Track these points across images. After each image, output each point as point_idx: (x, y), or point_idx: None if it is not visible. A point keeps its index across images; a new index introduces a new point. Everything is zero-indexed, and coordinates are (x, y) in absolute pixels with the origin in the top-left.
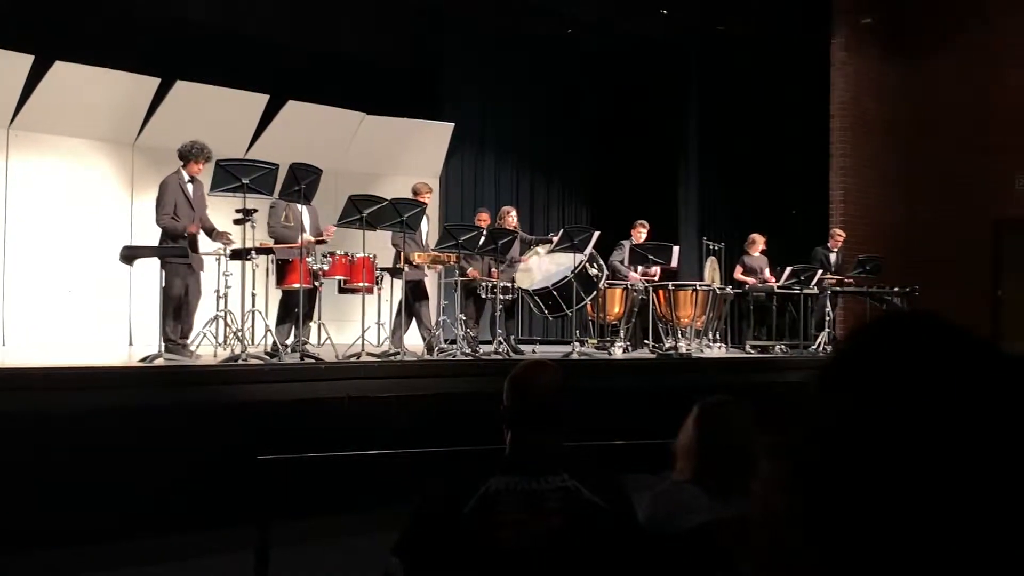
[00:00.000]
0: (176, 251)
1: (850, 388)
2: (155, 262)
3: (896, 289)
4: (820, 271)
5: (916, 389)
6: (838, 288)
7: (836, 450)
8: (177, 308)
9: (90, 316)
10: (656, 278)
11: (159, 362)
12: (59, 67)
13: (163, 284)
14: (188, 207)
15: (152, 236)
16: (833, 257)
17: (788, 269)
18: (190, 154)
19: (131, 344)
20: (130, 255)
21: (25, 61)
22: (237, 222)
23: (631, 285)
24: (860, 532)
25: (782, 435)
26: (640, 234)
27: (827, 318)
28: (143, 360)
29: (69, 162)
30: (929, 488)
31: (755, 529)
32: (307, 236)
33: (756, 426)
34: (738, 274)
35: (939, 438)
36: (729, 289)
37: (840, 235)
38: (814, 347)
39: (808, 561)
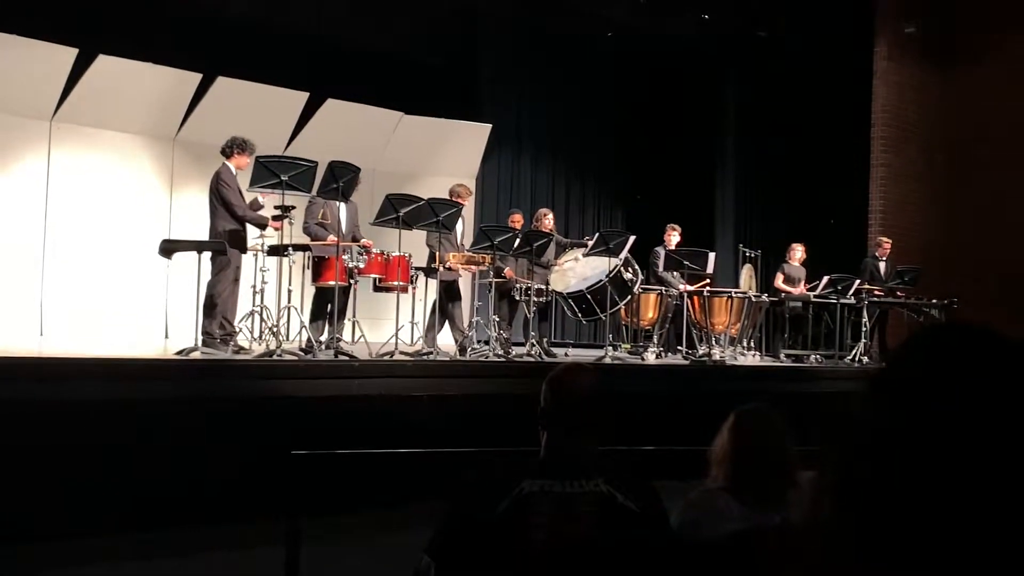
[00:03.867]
0: (215, 245)
1: (902, 400)
2: (193, 256)
3: (935, 301)
4: (864, 282)
5: (971, 402)
6: (875, 299)
7: (890, 464)
8: (223, 304)
9: (128, 308)
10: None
11: (195, 355)
12: (102, 61)
13: (213, 279)
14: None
15: (190, 230)
16: (883, 267)
17: (825, 278)
18: (235, 147)
19: (167, 337)
20: (169, 248)
21: (69, 54)
22: (275, 218)
23: (666, 290)
24: (915, 546)
25: (830, 446)
26: (672, 237)
27: (863, 328)
28: (179, 353)
29: (110, 155)
30: (987, 501)
31: (801, 540)
32: (343, 237)
33: (793, 435)
34: (778, 282)
35: (997, 451)
36: (765, 297)
37: (888, 244)
38: (849, 358)
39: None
